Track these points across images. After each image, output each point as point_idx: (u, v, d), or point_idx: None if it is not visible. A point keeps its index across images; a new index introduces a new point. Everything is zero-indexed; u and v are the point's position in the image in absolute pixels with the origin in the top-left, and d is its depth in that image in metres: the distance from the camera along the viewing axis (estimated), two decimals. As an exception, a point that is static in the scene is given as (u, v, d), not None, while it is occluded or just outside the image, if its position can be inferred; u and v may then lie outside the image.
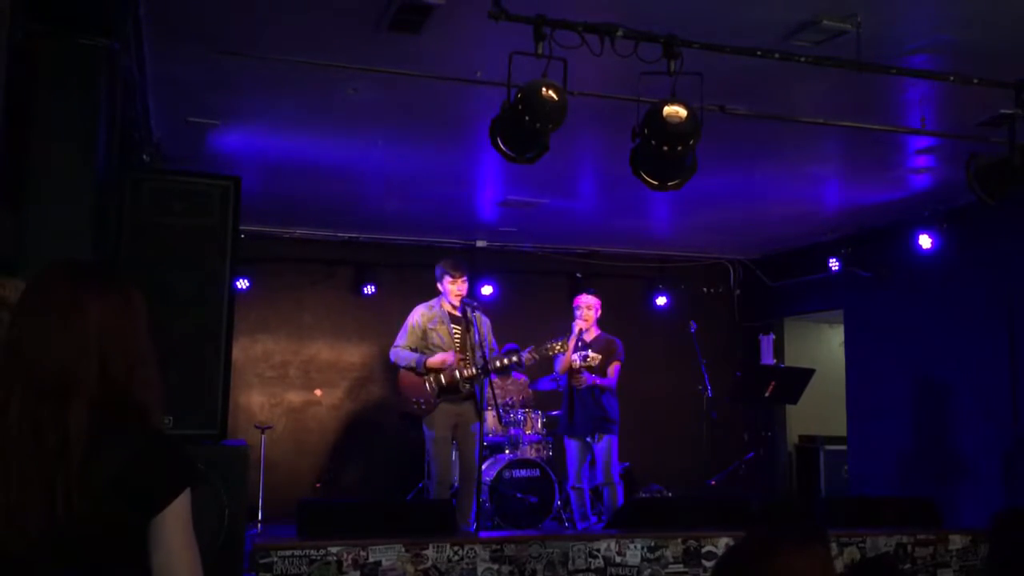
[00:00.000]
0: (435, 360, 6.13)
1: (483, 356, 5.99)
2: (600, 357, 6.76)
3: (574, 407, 6.96)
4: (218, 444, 4.18)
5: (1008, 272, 7.19)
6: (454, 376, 6.14)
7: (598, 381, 6.87)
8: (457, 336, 6.30)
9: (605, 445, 6.88)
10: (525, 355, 6.39)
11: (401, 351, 6.28)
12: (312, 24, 4.33)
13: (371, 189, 7.74)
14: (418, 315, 6.35)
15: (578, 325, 6.89)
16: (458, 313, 6.33)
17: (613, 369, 6.93)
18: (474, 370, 6.13)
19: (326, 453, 9.05)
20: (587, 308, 6.92)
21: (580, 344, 6.87)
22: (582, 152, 6.37)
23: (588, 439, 6.92)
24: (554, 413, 8.17)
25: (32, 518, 1.61)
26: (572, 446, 7.04)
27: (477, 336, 6.16)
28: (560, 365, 6.93)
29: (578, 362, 6.76)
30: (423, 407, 6.16)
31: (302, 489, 8.47)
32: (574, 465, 7.04)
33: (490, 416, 7.21)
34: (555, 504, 7.30)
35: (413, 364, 6.18)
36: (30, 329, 1.71)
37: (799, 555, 1.63)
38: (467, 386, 6.16)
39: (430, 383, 6.18)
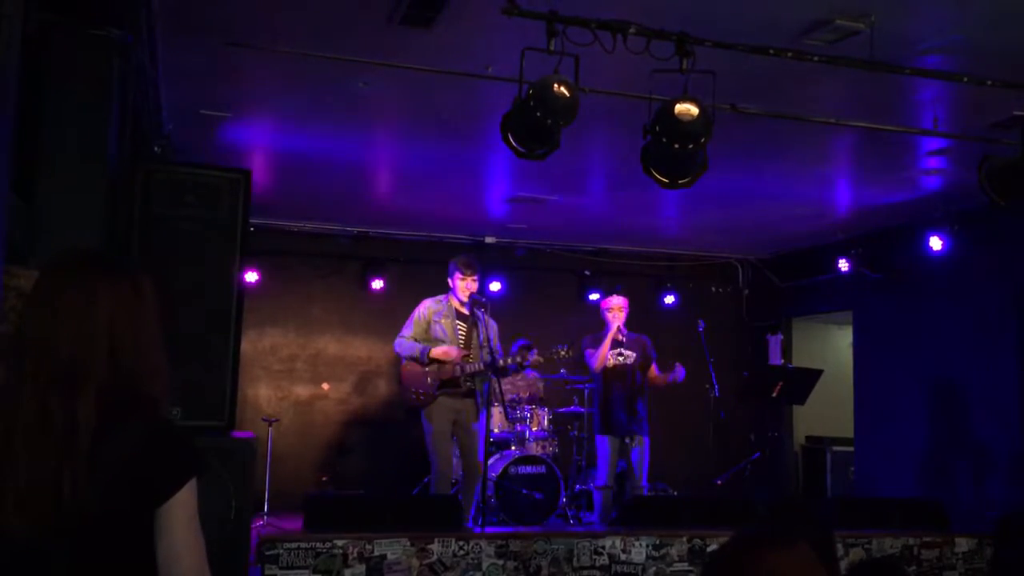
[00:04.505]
0: (438, 351, 6.14)
1: (491, 353, 6.00)
2: (635, 355, 6.94)
3: (611, 406, 6.90)
4: (226, 436, 4.20)
5: (1018, 274, 7.16)
6: (455, 371, 6.16)
7: (680, 377, 6.94)
8: (462, 333, 6.31)
9: (643, 445, 6.89)
10: (530, 358, 6.41)
11: (405, 341, 6.30)
12: (324, 17, 4.33)
13: (381, 184, 7.75)
14: (424, 307, 6.38)
15: (614, 324, 6.92)
16: (465, 311, 6.35)
17: (655, 369, 7.03)
18: (480, 366, 6.15)
19: (332, 447, 9.07)
20: (618, 309, 6.98)
21: (614, 342, 6.96)
22: (593, 149, 6.36)
23: (627, 440, 6.89)
24: (561, 410, 8.17)
25: (39, 505, 1.61)
26: (608, 445, 6.91)
27: (483, 335, 6.17)
28: (595, 364, 6.94)
29: (612, 360, 6.89)
30: (422, 398, 6.17)
31: (308, 482, 8.49)
32: (607, 465, 6.91)
33: (496, 412, 7.21)
34: (560, 501, 7.29)
35: (416, 354, 6.20)
36: (41, 317, 1.72)
37: (783, 555, 1.62)
38: (467, 383, 6.17)
39: (431, 374, 6.19)
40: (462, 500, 5.92)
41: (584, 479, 7.74)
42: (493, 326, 6.39)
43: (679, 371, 6.93)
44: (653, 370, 7.00)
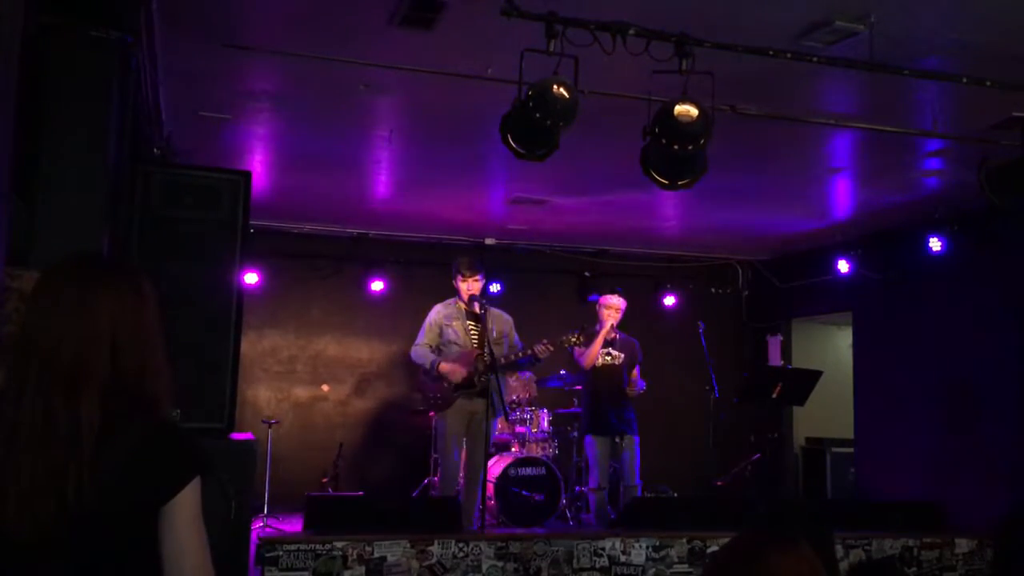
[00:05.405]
0: (446, 367, 6.15)
1: (490, 353, 6.00)
2: (623, 356, 6.91)
3: (600, 406, 6.84)
4: (225, 438, 4.20)
5: (1018, 274, 7.16)
6: (469, 371, 6.16)
7: (640, 387, 6.96)
8: (474, 333, 6.32)
9: (633, 445, 6.84)
10: (539, 347, 6.36)
11: (421, 349, 6.35)
12: (324, 18, 4.33)
13: (381, 185, 7.74)
14: (435, 312, 6.42)
15: (608, 322, 6.86)
16: (475, 310, 6.35)
17: (637, 373, 7.01)
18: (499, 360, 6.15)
19: (332, 448, 9.04)
20: (615, 309, 6.91)
21: (605, 341, 6.91)
22: (592, 150, 6.36)
23: (617, 439, 6.84)
24: (561, 411, 8.16)
25: (43, 506, 1.61)
26: (597, 446, 6.84)
27: (494, 332, 6.19)
28: (585, 361, 6.90)
29: (601, 359, 6.87)
30: (440, 401, 6.19)
31: (308, 484, 8.47)
32: (598, 466, 6.84)
33: (497, 414, 7.20)
34: (561, 502, 7.29)
35: (428, 365, 6.25)
36: (43, 320, 1.72)
37: (784, 555, 1.62)
38: (483, 378, 6.14)
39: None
40: (463, 502, 5.92)
41: (584, 480, 7.73)
42: (508, 320, 6.41)
43: (638, 384, 6.95)
44: (634, 373, 6.99)
